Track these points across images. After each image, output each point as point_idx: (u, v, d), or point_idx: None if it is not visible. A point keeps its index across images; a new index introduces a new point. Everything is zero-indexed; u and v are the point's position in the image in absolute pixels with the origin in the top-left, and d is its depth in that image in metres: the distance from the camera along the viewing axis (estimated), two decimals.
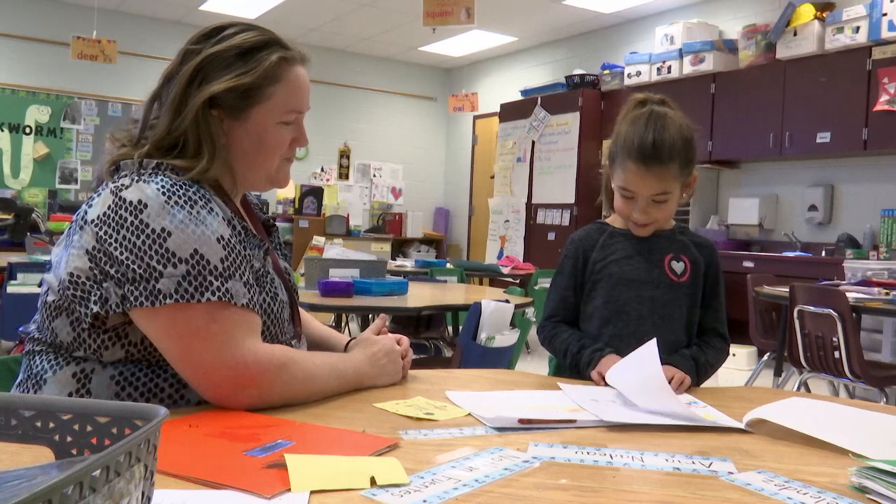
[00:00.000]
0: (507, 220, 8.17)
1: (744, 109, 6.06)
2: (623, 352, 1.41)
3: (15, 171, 7.83)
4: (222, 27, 1.22)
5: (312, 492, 0.76)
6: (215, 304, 1.06)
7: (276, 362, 1.09)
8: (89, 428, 0.60)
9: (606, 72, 7.41)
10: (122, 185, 1.10)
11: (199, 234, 1.08)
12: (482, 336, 2.21)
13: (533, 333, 2.18)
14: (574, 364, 1.54)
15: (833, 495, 0.82)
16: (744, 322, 4.20)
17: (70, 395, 1.09)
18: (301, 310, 1.38)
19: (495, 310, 2.22)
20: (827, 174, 5.95)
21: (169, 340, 1.06)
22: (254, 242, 1.19)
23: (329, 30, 8.60)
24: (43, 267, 1.42)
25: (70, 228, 1.14)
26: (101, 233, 1.07)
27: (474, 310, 2.27)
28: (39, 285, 1.19)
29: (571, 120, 7.43)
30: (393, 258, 7.75)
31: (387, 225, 9.46)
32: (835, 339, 3.16)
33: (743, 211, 6.22)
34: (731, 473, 0.89)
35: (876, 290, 3.61)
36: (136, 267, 1.05)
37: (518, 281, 5.94)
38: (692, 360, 1.51)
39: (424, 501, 0.75)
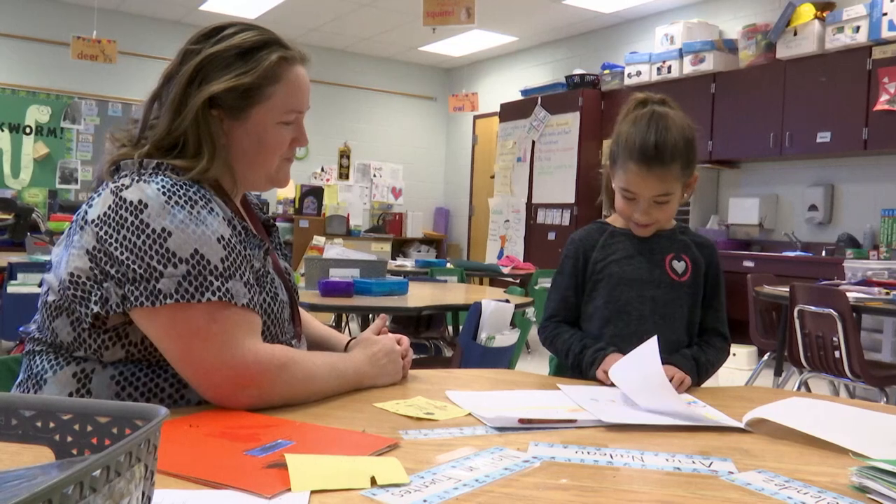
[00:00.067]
0: (508, 220, 8.17)
1: (744, 109, 6.06)
2: (624, 352, 1.40)
3: (15, 171, 7.83)
4: (222, 27, 1.22)
5: (313, 492, 0.76)
6: (216, 304, 1.06)
7: (276, 362, 1.09)
8: (89, 428, 0.60)
9: (606, 72, 7.41)
10: (123, 185, 1.10)
11: (200, 234, 1.08)
12: (482, 336, 2.21)
13: (533, 333, 2.18)
14: (576, 364, 1.54)
15: (833, 495, 0.82)
16: (744, 322, 4.20)
17: (70, 395, 1.09)
18: (301, 310, 1.38)
19: (495, 310, 2.22)
20: (827, 174, 5.95)
21: (169, 340, 1.06)
22: (254, 242, 1.19)
23: (329, 30, 8.60)
24: (43, 267, 1.42)
25: (70, 228, 1.14)
26: (101, 233, 1.07)
27: (474, 310, 2.27)
28: (39, 285, 1.19)
29: (571, 120, 7.43)
30: (393, 258, 7.75)
31: (387, 225, 9.46)
32: (835, 338, 3.16)
33: (743, 211, 6.22)
34: (732, 473, 0.89)
35: (876, 289, 3.61)
36: (136, 267, 1.05)
37: (518, 281, 5.94)
38: (693, 359, 1.51)
39: (425, 501, 0.75)
